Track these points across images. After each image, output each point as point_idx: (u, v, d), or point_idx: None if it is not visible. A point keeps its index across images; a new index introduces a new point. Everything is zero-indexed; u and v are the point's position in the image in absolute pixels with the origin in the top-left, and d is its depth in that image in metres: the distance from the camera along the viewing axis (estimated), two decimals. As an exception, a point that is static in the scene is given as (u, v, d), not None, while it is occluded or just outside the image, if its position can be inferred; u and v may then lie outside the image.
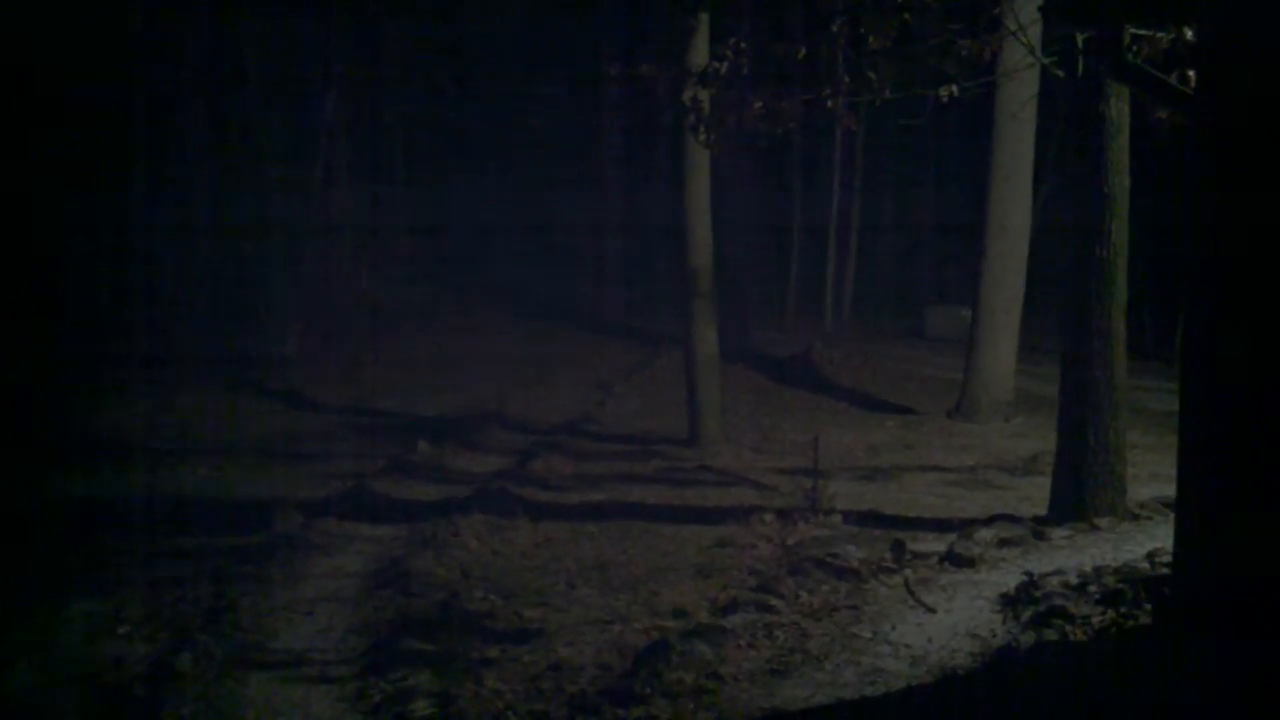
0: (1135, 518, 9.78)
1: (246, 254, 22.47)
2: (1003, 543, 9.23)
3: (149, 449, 14.59)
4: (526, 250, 27.46)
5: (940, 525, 10.29)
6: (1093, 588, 7.56)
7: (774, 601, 8.02)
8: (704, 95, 14.37)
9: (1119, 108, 9.66)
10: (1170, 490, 6.78)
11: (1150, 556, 8.10)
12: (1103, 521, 9.55)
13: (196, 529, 11.01)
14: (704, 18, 14.42)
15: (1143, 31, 9.22)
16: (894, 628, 7.55)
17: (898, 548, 9.16)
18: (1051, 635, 7.02)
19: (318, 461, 14.06)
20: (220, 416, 16.53)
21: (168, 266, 20.99)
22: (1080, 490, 9.77)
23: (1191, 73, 8.55)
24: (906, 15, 12.20)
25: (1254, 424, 5.39)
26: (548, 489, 12.55)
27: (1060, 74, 10.15)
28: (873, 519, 10.73)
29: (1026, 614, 7.42)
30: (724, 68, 14.42)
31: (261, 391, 18.20)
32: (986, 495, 11.89)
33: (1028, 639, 7.06)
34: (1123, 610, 7.10)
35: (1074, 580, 7.79)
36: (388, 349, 20.77)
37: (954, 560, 8.82)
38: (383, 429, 15.92)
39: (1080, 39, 9.72)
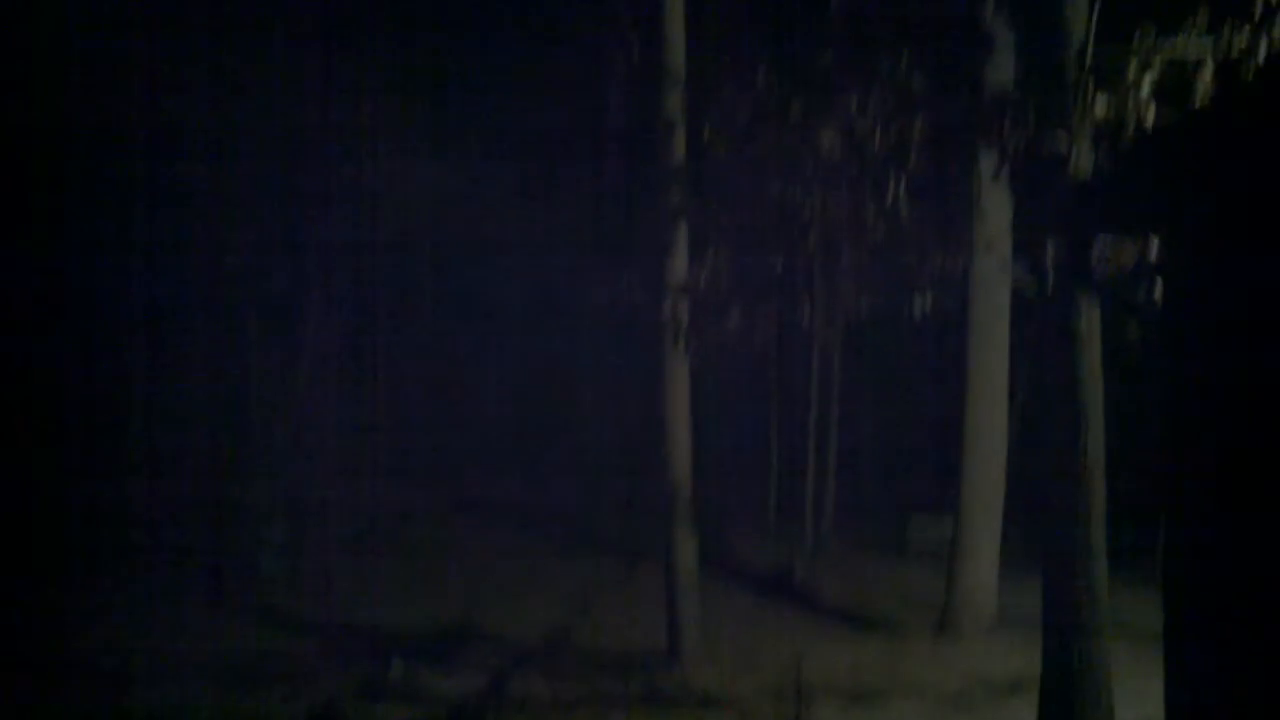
0: (1125, 742, 9.51)
1: (226, 441, 22.27)
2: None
3: (114, 668, 14.26)
4: (502, 457, 27.34)
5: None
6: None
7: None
8: (683, 307, 14.55)
9: (1090, 321, 9.73)
10: (1157, 712, 6.58)
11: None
12: (1092, 747, 9.27)
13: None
14: (683, 229, 14.68)
15: (1112, 243, 9.37)
16: None
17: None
18: None
19: (290, 680, 13.75)
20: (194, 632, 16.21)
21: (144, 454, 20.87)
22: (1068, 715, 9.51)
23: (1160, 285, 8.67)
24: (880, 231, 12.43)
25: (1240, 649, 5.26)
26: (523, 712, 12.25)
27: (1031, 287, 10.27)
28: (858, 746, 10.44)
29: None
30: (702, 280, 14.65)
31: (238, 600, 17.94)
32: (972, 721, 11.63)
33: None
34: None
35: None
36: (364, 551, 20.60)
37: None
38: (357, 644, 15.59)
39: (1050, 252, 9.85)
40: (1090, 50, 9.08)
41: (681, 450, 14.80)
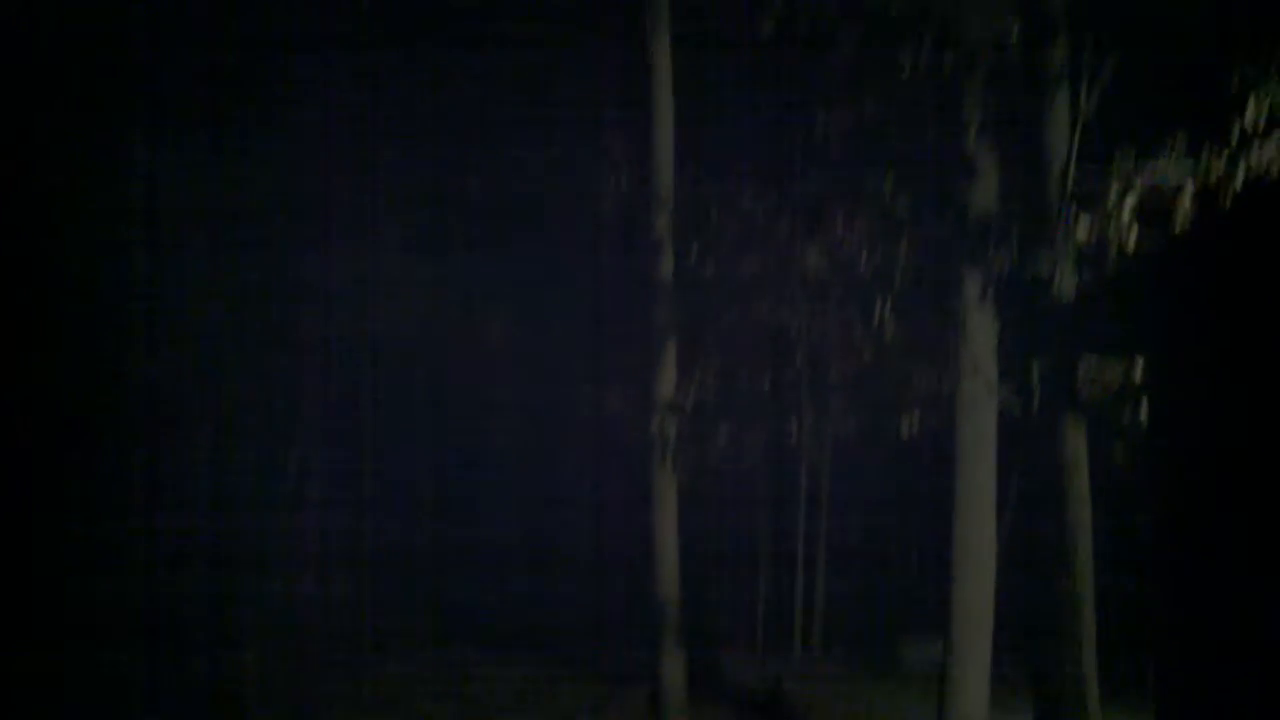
0: None
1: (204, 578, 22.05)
2: None
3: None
4: (483, 570, 27.09)
5: None
6: None
7: None
8: (671, 426, 14.51)
9: (1076, 443, 9.75)
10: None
11: None
12: None
13: None
14: (671, 346, 14.71)
15: (1096, 364, 9.43)
16: None
17: None
18: None
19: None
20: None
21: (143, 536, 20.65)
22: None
23: (1145, 405, 8.70)
24: (867, 351, 12.47)
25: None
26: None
27: (1017, 408, 10.29)
28: None
29: None
30: (690, 399, 14.64)
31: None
32: None
33: None
34: None
35: None
36: (350, 667, 20.34)
37: None
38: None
39: (1036, 372, 9.91)
40: (1072, 174, 9.22)
41: (669, 569, 14.68)
